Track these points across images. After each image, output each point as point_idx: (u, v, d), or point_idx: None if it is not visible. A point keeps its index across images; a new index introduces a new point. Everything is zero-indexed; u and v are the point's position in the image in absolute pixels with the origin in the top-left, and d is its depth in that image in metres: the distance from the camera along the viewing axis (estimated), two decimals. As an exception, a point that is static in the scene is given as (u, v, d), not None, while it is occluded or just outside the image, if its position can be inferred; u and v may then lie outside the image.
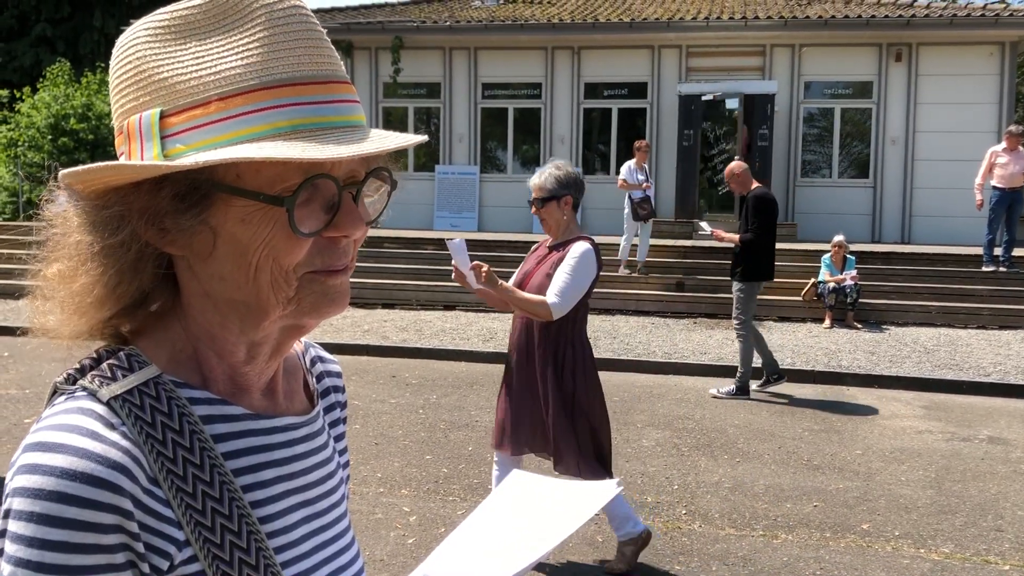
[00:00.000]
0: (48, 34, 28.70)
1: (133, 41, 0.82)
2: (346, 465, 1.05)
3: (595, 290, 4.15)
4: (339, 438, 1.04)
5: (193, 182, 0.79)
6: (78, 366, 0.84)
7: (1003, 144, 12.28)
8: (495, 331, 10.84)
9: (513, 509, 1.17)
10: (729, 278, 8.32)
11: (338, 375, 1.08)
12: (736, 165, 8.20)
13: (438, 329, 11.02)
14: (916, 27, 15.60)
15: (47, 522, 0.72)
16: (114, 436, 0.77)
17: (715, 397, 8.06)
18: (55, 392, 0.83)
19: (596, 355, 4.32)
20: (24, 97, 20.47)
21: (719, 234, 8.47)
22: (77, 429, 0.76)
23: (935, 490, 5.68)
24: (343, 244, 0.85)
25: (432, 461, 6.05)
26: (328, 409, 1.03)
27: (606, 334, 10.55)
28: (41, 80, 21.49)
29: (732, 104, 16.30)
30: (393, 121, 17.77)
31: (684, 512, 5.20)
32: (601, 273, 4.15)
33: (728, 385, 8.18)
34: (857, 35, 16.00)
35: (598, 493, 1.16)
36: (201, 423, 0.83)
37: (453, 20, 17.26)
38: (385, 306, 12.59)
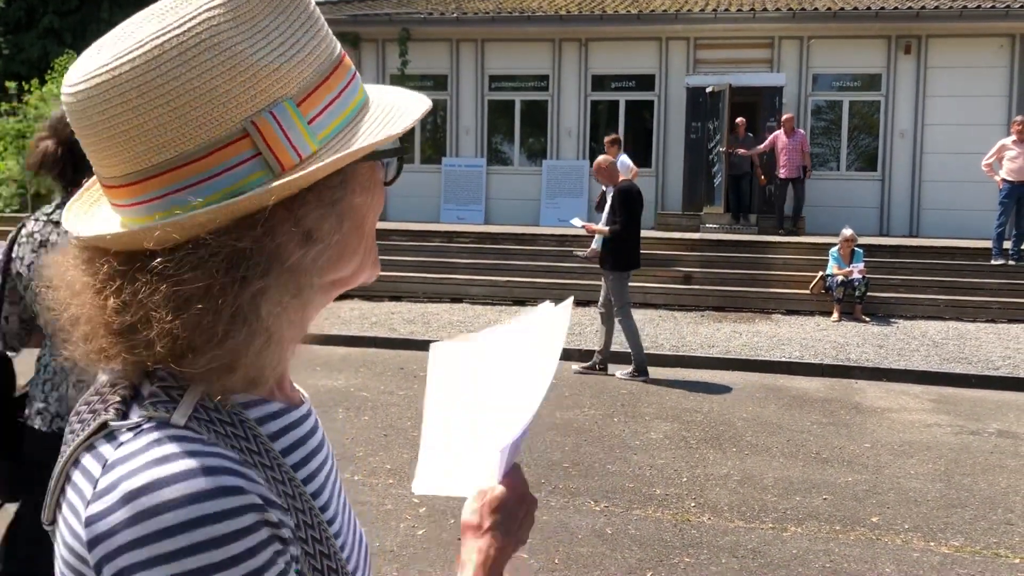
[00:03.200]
0: (55, 26, 28.71)
1: (203, 33, 0.71)
2: None
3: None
4: None
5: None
6: (119, 399, 0.76)
7: (1012, 136, 12.23)
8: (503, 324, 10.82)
9: (467, 378, 1.05)
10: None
11: None
12: (602, 159, 8.62)
13: (445, 322, 11.03)
14: (925, 19, 15.52)
15: (202, 548, 0.67)
16: (209, 448, 0.72)
17: (621, 379, 8.31)
18: (109, 433, 0.74)
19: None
20: (32, 89, 20.50)
21: (589, 227, 9.02)
22: (176, 456, 0.70)
23: (944, 483, 5.67)
24: None
25: (441, 453, 6.05)
26: None
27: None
28: (49, 72, 21.53)
29: (737, 93, 16.17)
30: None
31: (693, 504, 5.21)
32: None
33: (627, 368, 8.45)
34: (866, 27, 15.94)
35: (556, 314, 1.04)
36: (257, 425, 0.80)
37: (460, 12, 17.22)
38: (392, 298, 12.60)
